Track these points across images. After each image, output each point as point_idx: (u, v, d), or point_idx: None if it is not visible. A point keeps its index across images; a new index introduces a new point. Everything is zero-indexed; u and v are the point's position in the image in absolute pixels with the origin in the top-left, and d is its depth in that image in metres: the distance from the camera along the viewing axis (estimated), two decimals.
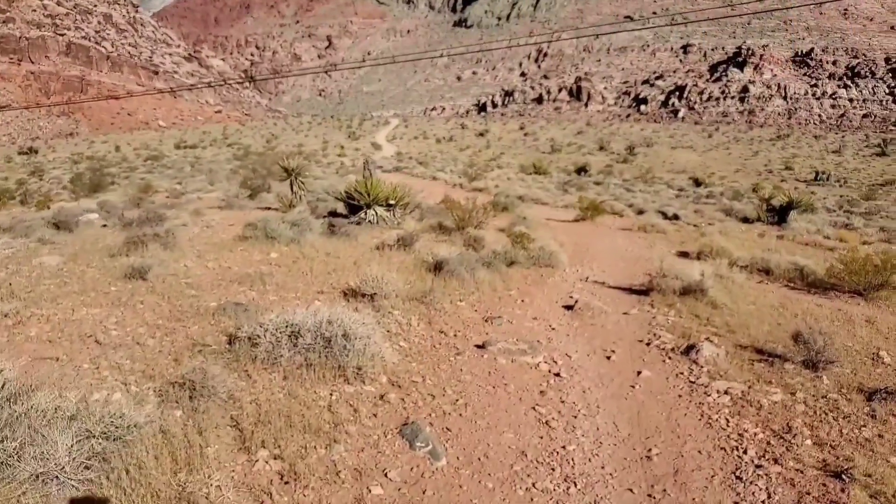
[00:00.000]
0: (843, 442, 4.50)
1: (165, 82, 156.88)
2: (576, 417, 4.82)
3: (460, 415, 4.70)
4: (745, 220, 24.40)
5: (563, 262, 10.93)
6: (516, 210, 19.73)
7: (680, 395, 5.26)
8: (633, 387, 5.49)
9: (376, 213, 14.77)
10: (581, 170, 54.83)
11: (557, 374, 5.72)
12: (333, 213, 16.15)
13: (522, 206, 21.41)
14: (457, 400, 4.94)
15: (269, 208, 18.74)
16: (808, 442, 4.46)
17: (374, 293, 7.27)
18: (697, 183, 52.04)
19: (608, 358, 6.25)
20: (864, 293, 9.57)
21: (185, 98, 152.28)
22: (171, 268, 8.79)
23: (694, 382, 5.52)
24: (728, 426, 4.68)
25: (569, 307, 8.23)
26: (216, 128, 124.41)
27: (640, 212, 24.41)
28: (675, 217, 23.10)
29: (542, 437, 4.47)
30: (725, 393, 5.26)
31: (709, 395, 5.21)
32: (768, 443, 4.45)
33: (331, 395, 4.75)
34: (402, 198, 15.43)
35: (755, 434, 4.56)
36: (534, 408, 4.98)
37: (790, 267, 11.03)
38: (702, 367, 5.87)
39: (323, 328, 5.17)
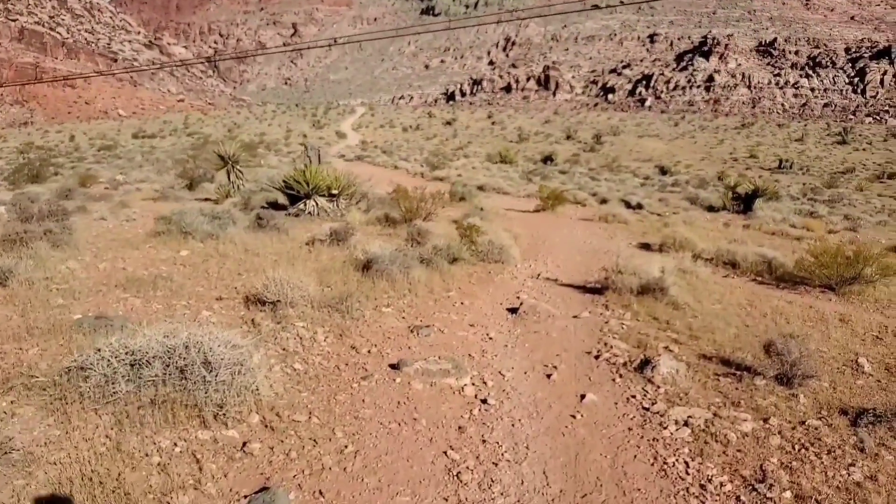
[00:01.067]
0: (829, 491, 3.55)
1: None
2: (497, 465, 3.76)
3: (344, 469, 3.59)
4: (711, 208, 23.83)
5: (514, 258, 9.91)
6: (474, 200, 18.68)
7: (630, 429, 4.25)
8: (574, 416, 4.46)
9: (316, 204, 13.54)
10: (547, 159, 54.11)
11: (484, 401, 4.67)
12: (273, 205, 14.83)
13: (481, 196, 20.36)
14: (346, 447, 3.83)
15: (207, 199, 17.31)
16: (788, 494, 3.49)
17: (277, 300, 6.10)
18: (663, 171, 51.83)
19: (548, 376, 5.22)
20: (835, 287, 8.77)
21: (146, 87, 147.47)
22: (49, 270, 7.46)
23: (648, 409, 4.52)
24: (688, 474, 3.68)
25: (513, 310, 7.19)
26: (178, 117, 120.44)
27: (604, 201, 23.63)
28: (639, 206, 22.37)
29: (447, 500, 3.39)
30: (685, 424, 4.26)
31: (665, 428, 4.21)
32: (737, 498, 3.46)
33: (174, 445, 3.59)
34: (346, 187, 14.21)
35: (721, 485, 3.56)
36: (446, 452, 3.90)
37: (758, 259, 10.21)
38: (658, 387, 4.88)
39: (177, 355, 4.00)
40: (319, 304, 6.35)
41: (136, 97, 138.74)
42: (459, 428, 4.23)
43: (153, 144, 73.41)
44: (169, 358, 4.00)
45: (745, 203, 22.39)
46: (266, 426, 3.95)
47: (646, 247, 12.34)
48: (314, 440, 3.86)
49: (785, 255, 10.64)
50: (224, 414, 3.90)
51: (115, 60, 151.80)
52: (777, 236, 15.27)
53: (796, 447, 4.02)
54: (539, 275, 9.22)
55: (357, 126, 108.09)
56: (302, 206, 13.47)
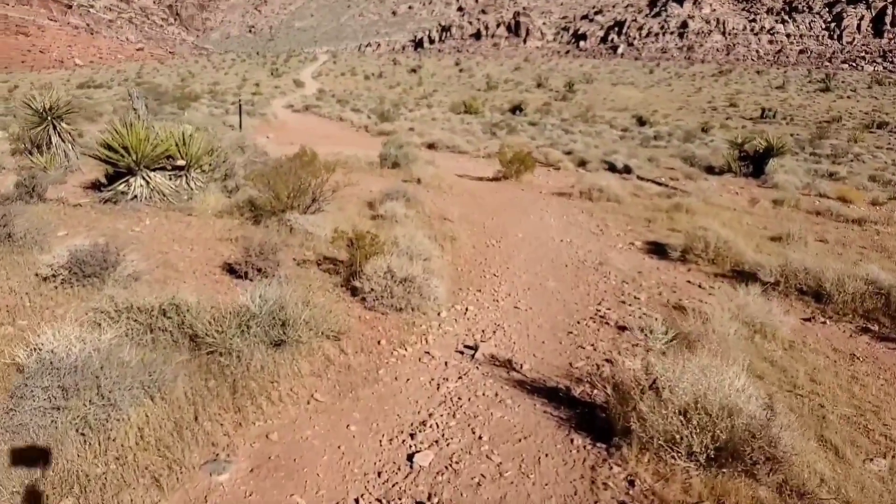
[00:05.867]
0: None
1: (80, 17, 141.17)
2: None
3: None
4: (710, 169, 19.54)
5: (436, 298, 5.33)
6: (412, 167, 13.91)
7: None
8: None
9: (148, 182, 8.69)
10: (517, 108, 49.01)
11: None
12: (112, 179, 9.82)
13: (426, 160, 15.54)
14: None
15: (33, 167, 12.20)
16: None
17: None
18: (641, 122, 47.31)
19: None
20: None
21: (104, 35, 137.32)
22: None
23: None
24: None
25: None
26: (134, 66, 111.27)
27: (583, 162, 19.05)
28: (627, 170, 17.88)
29: None
30: None
31: None
32: None
33: None
34: (200, 155, 9.33)
35: None
36: None
37: (863, 288, 5.86)
38: None
39: None
40: None
41: (93, 45, 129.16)
42: None
43: (95, 96, 65.89)
44: None
45: (755, 164, 18.12)
46: None
47: (658, 251, 7.89)
48: None
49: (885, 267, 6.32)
50: None
51: (70, 7, 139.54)
52: (826, 217, 11.00)
53: None
54: (474, 347, 4.65)
55: (317, 74, 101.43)
56: (124, 185, 8.60)
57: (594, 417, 3.50)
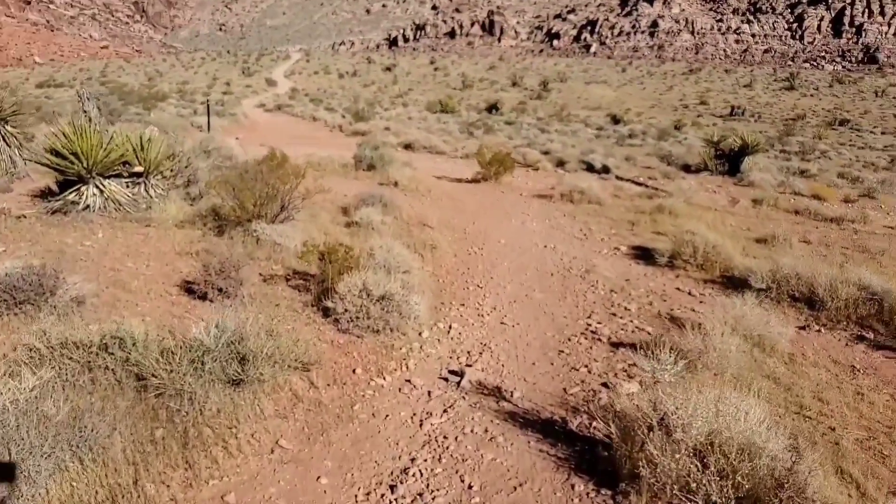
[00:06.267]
0: None
1: (40, 13, 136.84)
2: None
3: None
4: (687, 168, 19.49)
5: (417, 317, 4.90)
6: (389, 169, 13.46)
7: None
8: None
9: (101, 191, 8.09)
10: (492, 108, 48.77)
11: None
12: (63, 186, 9.16)
13: (403, 161, 15.08)
14: None
15: None
16: None
17: None
18: (615, 120, 47.48)
19: None
20: None
21: (66, 32, 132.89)
22: None
23: None
24: None
25: None
26: (98, 64, 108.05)
27: (561, 162, 18.82)
28: (605, 170, 17.69)
29: None
30: None
31: None
32: None
33: None
34: (160, 160, 8.75)
35: None
36: None
37: (855, 294, 5.63)
38: None
39: None
40: None
41: (53, 43, 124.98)
42: None
43: (55, 95, 63.64)
44: None
45: (730, 162, 18.09)
46: None
47: (644, 256, 7.60)
48: None
49: (886, 276, 6.11)
50: None
51: (29, 3, 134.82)
52: (805, 217, 10.88)
53: None
54: (461, 378, 4.23)
55: (290, 73, 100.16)
56: (74, 195, 7.99)
57: (596, 457, 3.13)
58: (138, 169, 8.53)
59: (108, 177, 8.26)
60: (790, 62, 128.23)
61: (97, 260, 5.94)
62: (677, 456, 2.66)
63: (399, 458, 3.21)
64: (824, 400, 4.02)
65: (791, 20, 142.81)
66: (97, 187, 8.08)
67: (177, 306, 5.13)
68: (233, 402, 3.45)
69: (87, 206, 7.92)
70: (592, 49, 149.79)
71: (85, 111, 8.95)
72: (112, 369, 3.63)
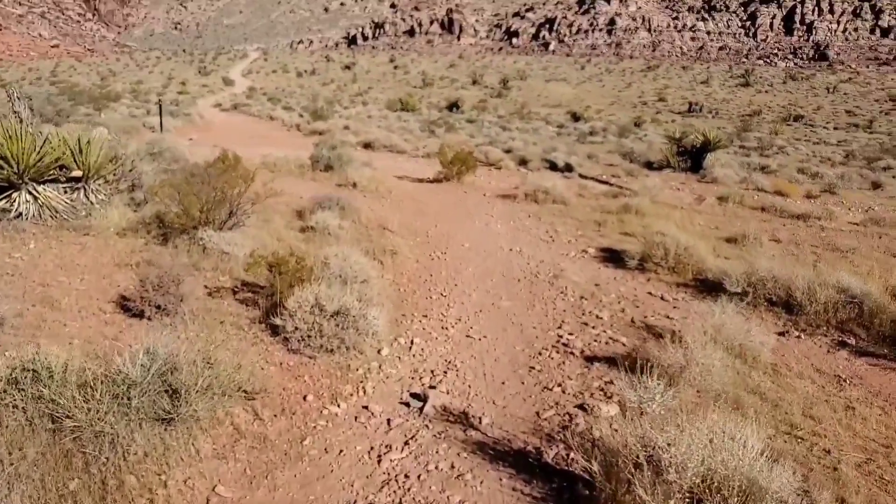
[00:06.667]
0: None
1: None
2: None
3: None
4: (649, 165, 19.53)
5: (376, 333, 4.50)
6: (347, 169, 12.96)
7: None
8: None
9: (35, 198, 7.43)
10: (453, 106, 48.49)
11: None
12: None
13: (363, 161, 14.59)
14: None
15: None
16: None
17: None
18: (576, 118, 47.81)
19: None
20: None
21: (13, 31, 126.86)
22: None
23: None
24: None
25: None
26: (48, 64, 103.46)
27: (523, 161, 18.61)
28: (568, 168, 17.56)
29: None
30: None
31: None
32: None
33: None
34: (101, 164, 8.10)
35: None
36: None
37: (835, 297, 5.48)
38: None
39: None
40: None
41: (1, 42, 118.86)
42: None
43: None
44: None
45: (693, 158, 18.20)
46: None
47: (613, 258, 7.35)
48: None
49: (861, 276, 5.99)
50: None
51: None
52: (771, 214, 10.88)
53: None
54: (424, 403, 3.80)
55: (247, 72, 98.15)
56: (6, 202, 7.31)
57: (576, 496, 2.80)
58: (77, 173, 7.88)
59: (43, 182, 7.61)
60: (745, 59, 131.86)
61: (26, 274, 5.36)
62: (671, 502, 2.34)
63: (354, 503, 2.82)
64: (815, 417, 3.79)
65: (744, 18, 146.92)
66: (30, 193, 7.43)
67: (110, 326, 4.61)
68: (163, 443, 3.00)
69: (20, 215, 7.26)
70: (551, 47, 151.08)
71: (15, 111, 8.21)
72: (23, 408, 3.15)
